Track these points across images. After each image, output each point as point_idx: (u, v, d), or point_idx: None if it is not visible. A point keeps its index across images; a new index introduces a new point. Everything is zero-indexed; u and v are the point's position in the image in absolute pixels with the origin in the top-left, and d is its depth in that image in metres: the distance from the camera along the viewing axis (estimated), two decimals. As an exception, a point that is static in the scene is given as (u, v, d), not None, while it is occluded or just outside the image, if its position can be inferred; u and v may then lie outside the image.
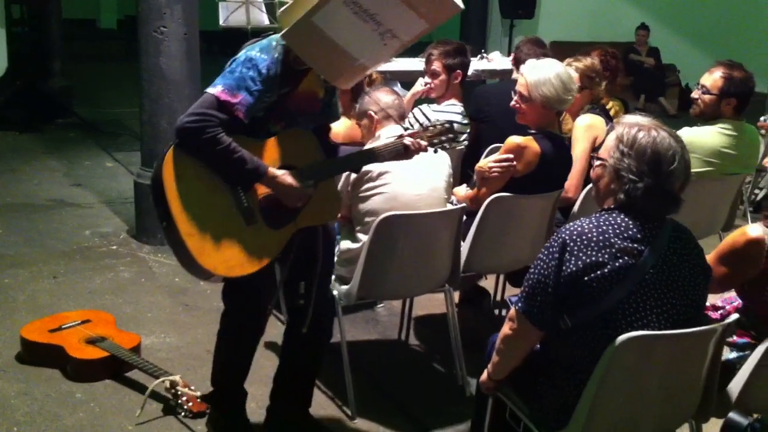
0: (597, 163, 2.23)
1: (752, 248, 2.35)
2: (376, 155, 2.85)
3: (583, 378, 2.18)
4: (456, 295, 3.81)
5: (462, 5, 2.44)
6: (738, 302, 2.49)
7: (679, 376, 2.29)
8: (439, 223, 3.29)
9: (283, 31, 2.52)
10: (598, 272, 2.08)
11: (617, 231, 2.13)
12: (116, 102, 10.03)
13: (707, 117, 3.98)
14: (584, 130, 3.89)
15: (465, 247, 3.49)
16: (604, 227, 2.14)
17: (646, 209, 2.15)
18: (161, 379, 3.28)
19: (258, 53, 2.59)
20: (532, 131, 3.46)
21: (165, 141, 5.07)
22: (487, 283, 4.42)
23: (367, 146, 3.05)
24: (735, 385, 2.43)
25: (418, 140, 2.85)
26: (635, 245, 2.11)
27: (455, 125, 4.36)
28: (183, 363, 3.66)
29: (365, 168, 3.16)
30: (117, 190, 6.45)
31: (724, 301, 2.54)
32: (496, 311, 4.29)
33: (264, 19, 7.48)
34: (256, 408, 3.21)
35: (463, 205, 3.37)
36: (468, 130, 4.56)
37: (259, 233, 2.66)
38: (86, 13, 16.74)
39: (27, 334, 3.60)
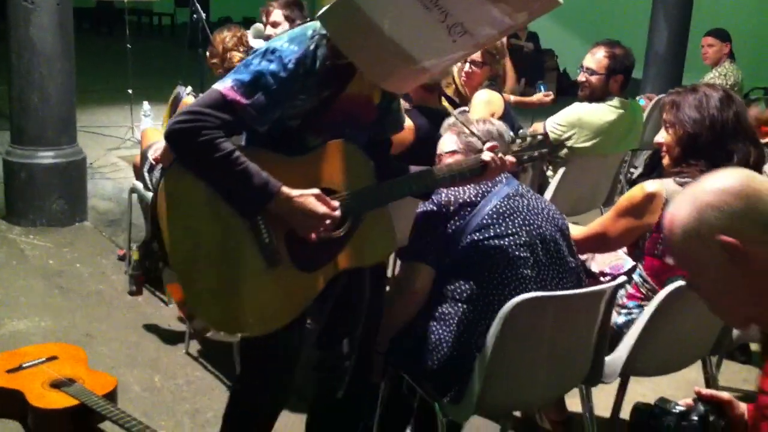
0: None
1: (650, 201, 2.45)
2: (447, 177, 2.24)
3: (477, 344, 2.21)
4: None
5: None
6: (625, 268, 2.56)
7: (568, 338, 2.33)
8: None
9: (319, 12, 1.94)
10: (468, 208, 2.30)
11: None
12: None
13: (596, 97, 4.08)
14: (483, 105, 3.92)
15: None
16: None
17: None
18: (141, 436, 2.56)
19: (286, 43, 1.99)
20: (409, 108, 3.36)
21: (36, 118, 4.81)
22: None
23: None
24: (623, 349, 2.48)
25: (501, 156, 2.26)
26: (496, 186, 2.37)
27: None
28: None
29: None
30: (-17, 170, 6.05)
31: (613, 269, 2.62)
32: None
33: (142, -7, 7.20)
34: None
35: None
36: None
37: (285, 278, 2.06)
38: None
39: None
